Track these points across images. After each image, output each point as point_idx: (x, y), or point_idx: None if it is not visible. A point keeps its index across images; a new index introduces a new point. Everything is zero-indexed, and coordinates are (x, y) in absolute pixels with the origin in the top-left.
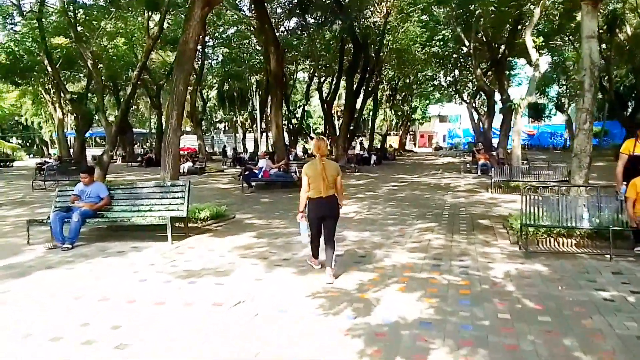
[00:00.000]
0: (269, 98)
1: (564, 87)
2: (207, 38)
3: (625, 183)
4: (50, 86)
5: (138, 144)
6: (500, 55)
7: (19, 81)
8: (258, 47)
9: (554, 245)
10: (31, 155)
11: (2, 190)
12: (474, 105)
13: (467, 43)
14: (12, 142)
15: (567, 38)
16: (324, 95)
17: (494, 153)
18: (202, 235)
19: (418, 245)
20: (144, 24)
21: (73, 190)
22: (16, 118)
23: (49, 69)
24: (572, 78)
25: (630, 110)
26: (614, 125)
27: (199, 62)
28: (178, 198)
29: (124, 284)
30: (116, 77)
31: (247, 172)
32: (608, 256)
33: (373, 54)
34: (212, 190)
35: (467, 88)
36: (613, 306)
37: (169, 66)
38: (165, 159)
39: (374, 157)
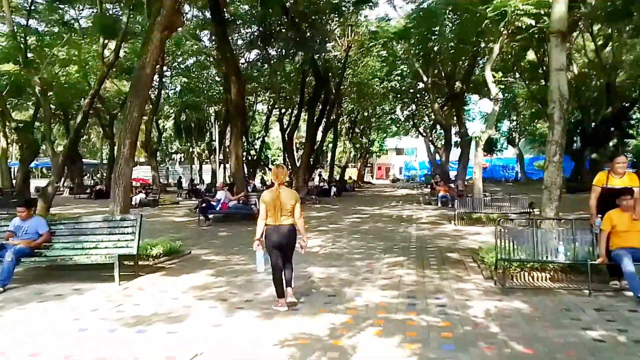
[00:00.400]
0: (229, 128)
1: (514, 122)
2: (165, 68)
3: (600, 216)
4: None
5: (88, 175)
6: (457, 90)
7: None
8: (217, 78)
9: (529, 279)
10: None
11: None
12: (430, 138)
13: (425, 78)
14: None
15: (518, 75)
16: (285, 126)
17: (453, 185)
18: (154, 275)
19: (389, 281)
20: (99, 50)
21: (8, 225)
22: None
23: None
24: (521, 113)
25: (577, 144)
26: (564, 159)
27: (156, 91)
28: (128, 234)
29: (60, 334)
30: (67, 105)
31: (204, 205)
32: (587, 291)
33: (334, 87)
34: (166, 223)
35: (423, 122)
36: (605, 347)
37: (124, 95)
38: (115, 191)
39: (334, 189)
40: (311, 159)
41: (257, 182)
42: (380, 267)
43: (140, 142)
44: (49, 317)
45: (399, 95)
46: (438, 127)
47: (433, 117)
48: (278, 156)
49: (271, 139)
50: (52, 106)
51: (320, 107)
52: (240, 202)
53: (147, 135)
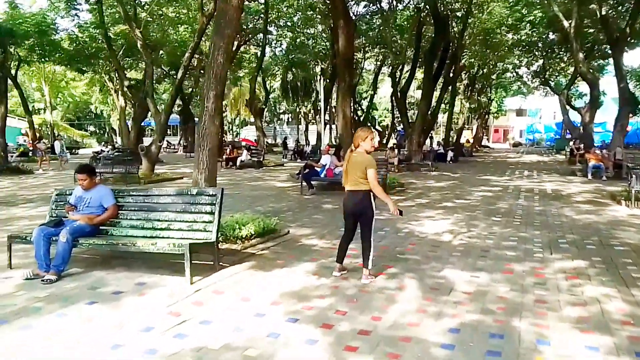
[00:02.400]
0: (336, 85)
1: None
2: (270, 26)
3: None
4: (114, 74)
5: None
6: (617, 35)
7: (84, 68)
8: (324, 35)
9: None
10: (103, 144)
11: (42, 182)
12: (566, 96)
13: (566, 23)
14: (87, 130)
15: None
16: (397, 82)
17: (604, 152)
18: (240, 267)
19: (584, 311)
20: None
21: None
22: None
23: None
24: None
25: None
26: None
27: (260, 47)
28: (206, 213)
29: None
30: (178, 64)
31: (307, 170)
32: None
33: (455, 36)
34: (267, 189)
35: (553, 78)
36: None
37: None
38: (199, 155)
39: (450, 154)
40: (427, 119)
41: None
42: (555, 278)
43: (245, 101)
44: (87, 335)
45: (527, 47)
46: (577, 83)
47: (571, 71)
48: (385, 117)
49: (378, 98)
50: (162, 66)
51: (438, 60)
52: None
53: (252, 94)
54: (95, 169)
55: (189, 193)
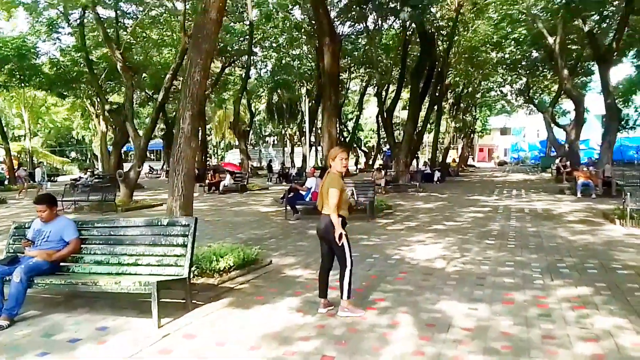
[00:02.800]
0: (321, 105)
1: None
2: (255, 47)
3: None
4: (95, 98)
5: None
6: (603, 50)
7: (65, 93)
8: (310, 55)
9: None
10: (82, 170)
11: (14, 212)
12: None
13: (550, 40)
14: (69, 157)
15: None
16: (382, 103)
17: (591, 170)
18: (215, 305)
19: (597, 347)
20: (180, 21)
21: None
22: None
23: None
24: None
25: None
26: None
27: (245, 68)
28: (177, 246)
29: None
30: (161, 86)
31: (291, 194)
32: None
33: (441, 54)
34: (250, 214)
35: (539, 96)
36: None
37: (214, 75)
38: (174, 181)
39: (437, 174)
40: (414, 139)
41: (350, 165)
42: (560, 308)
43: (229, 124)
44: None
45: (511, 65)
46: (561, 100)
47: (555, 88)
48: (371, 137)
49: (364, 119)
50: (146, 90)
51: (424, 79)
52: None
53: (236, 116)
54: (55, 199)
55: (159, 223)
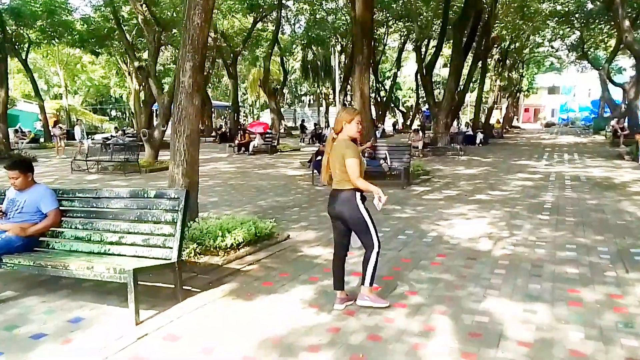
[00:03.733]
0: (353, 59)
1: None
2: (288, 1)
3: None
4: (126, 55)
5: (224, 117)
6: None
7: (98, 50)
8: (345, 9)
9: None
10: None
11: (39, 172)
12: (606, 70)
13: None
14: (109, 115)
15: None
16: (421, 59)
17: None
18: (212, 293)
19: None
20: None
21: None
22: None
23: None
24: None
25: None
26: None
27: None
28: (166, 223)
29: None
30: None
31: (319, 157)
32: None
33: (487, 4)
34: (276, 178)
35: (593, 52)
36: None
37: (246, 31)
38: (175, 144)
39: (480, 136)
40: (456, 98)
41: (387, 126)
42: None
43: (259, 81)
44: None
45: (563, 18)
46: (617, 57)
47: (612, 43)
48: (409, 97)
49: (402, 77)
50: (178, 47)
51: (468, 31)
52: (366, 155)
53: (266, 73)
54: (31, 164)
55: (145, 195)
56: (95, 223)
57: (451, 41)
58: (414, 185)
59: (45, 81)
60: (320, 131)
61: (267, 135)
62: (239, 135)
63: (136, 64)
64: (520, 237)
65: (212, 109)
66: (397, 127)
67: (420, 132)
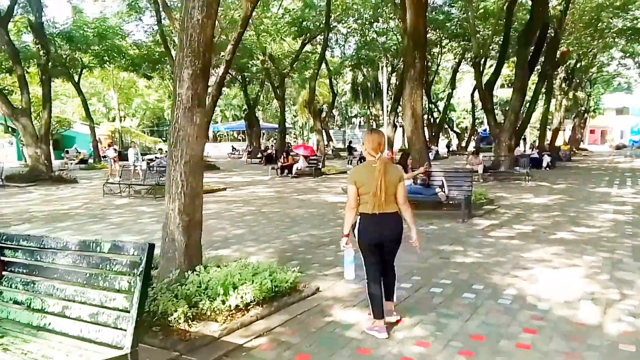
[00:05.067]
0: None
1: None
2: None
3: None
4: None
5: (274, 139)
6: None
7: (149, 74)
8: (397, 27)
9: None
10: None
11: (74, 194)
12: None
13: None
14: (165, 137)
15: None
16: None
17: None
18: None
19: None
20: None
21: None
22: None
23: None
24: None
25: None
26: None
27: (328, 46)
28: (119, 292)
29: None
30: (244, 67)
31: None
32: None
33: (555, 17)
34: (316, 205)
35: None
36: None
37: (295, 53)
38: (170, 173)
39: (546, 158)
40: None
41: (441, 147)
42: None
43: (303, 101)
44: None
45: (633, 36)
46: None
47: None
48: (464, 118)
49: (456, 99)
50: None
51: (533, 46)
52: (419, 181)
53: (311, 93)
54: None
55: (98, 249)
56: (38, 283)
57: (511, 59)
58: (476, 218)
59: (104, 104)
60: None
61: (312, 158)
62: (283, 157)
63: None
64: (637, 300)
65: (262, 131)
66: (451, 148)
67: (479, 154)
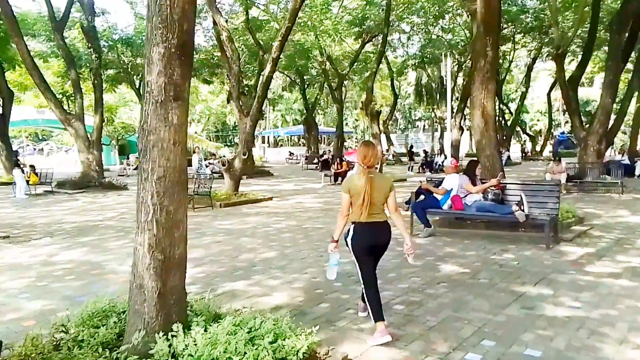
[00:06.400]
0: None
1: None
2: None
3: None
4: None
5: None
6: None
7: (208, 79)
8: (465, 22)
9: None
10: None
11: (118, 202)
12: None
13: None
14: (231, 142)
15: None
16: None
17: None
18: None
19: None
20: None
21: None
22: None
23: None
24: None
25: None
26: None
27: (390, 46)
28: None
29: None
30: (303, 71)
31: (421, 197)
32: None
33: None
34: None
35: None
36: None
37: (353, 54)
38: (140, 193)
39: None
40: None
41: (513, 152)
42: None
43: (360, 102)
44: None
45: None
46: None
47: None
48: (538, 120)
49: (529, 100)
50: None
51: (627, 33)
52: (489, 195)
53: (369, 94)
54: None
55: None
56: None
57: (603, 48)
58: (564, 243)
59: None
60: (432, 158)
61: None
62: (336, 163)
63: (240, 89)
64: None
65: (321, 135)
66: (526, 151)
67: (561, 161)
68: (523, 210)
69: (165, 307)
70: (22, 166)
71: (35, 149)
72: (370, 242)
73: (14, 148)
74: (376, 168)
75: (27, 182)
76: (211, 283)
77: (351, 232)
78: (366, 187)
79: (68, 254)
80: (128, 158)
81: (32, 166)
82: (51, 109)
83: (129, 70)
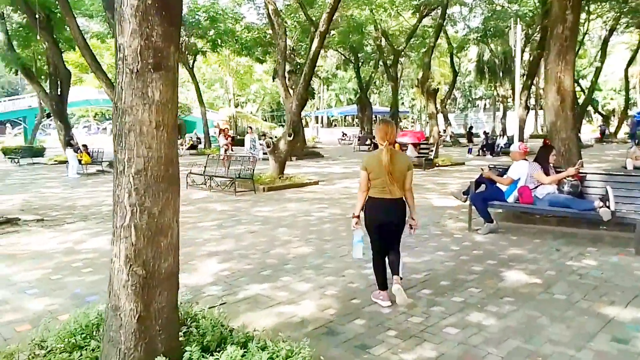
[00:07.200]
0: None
1: None
2: None
3: None
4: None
5: None
6: None
7: (261, 58)
8: None
9: None
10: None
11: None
12: None
13: None
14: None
15: None
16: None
17: None
18: None
19: None
20: None
21: None
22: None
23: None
24: None
25: None
26: None
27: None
28: None
29: None
30: (358, 48)
31: (482, 187)
32: None
33: None
34: (422, 211)
35: None
36: None
37: (409, 29)
38: (115, 192)
39: None
40: None
41: (584, 133)
42: None
43: (417, 80)
44: None
45: None
46: None
47: None
48: (611, 99)
49: (602, 77)
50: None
51: None
52: (566, 187)
53: (425, 70)
54: None
55: None
56: None
57: None
58: None
59: (226, 90)
60: (493, 140)
61: (422, 146)
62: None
63: (288, 67)
64: None
65: (375, 115)
66: (606, 132)
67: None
68: (608, 207)
69: (146, 335)
70: (74, 145)
71: (99, 128)
72: (379, 218)
73: (81, 127)
74: (431, 150)
75: (79, 161)
76: (234, 285)
77: (365, 206)
78: (388, 164)
79: (95, 242)
80: (180, 138)
81: (84, 146)
82: (103, 88)
83: (183, 49)
